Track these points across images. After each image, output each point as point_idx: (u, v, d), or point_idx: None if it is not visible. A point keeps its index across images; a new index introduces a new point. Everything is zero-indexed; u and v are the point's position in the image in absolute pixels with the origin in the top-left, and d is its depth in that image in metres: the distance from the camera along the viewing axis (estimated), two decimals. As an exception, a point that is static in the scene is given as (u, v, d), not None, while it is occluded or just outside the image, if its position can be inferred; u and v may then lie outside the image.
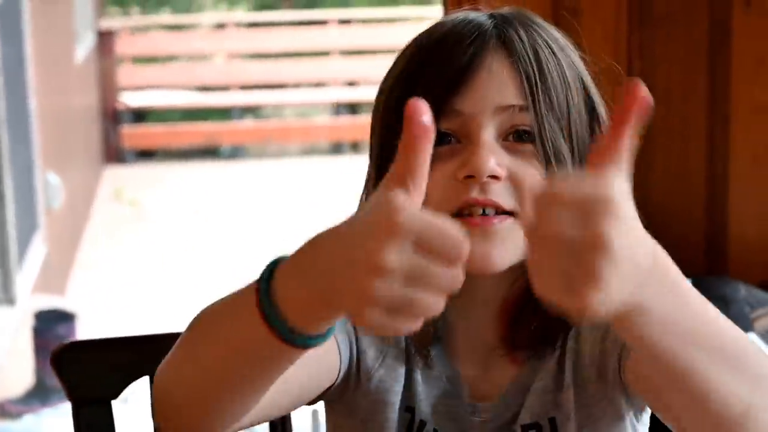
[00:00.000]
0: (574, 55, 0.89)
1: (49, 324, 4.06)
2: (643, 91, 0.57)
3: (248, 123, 8.69)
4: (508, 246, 0.82)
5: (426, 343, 0.92)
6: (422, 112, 0.59)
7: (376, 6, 10.03)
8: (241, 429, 0.83)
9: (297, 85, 8.95)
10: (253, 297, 0.67)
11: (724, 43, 1.94)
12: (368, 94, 7.98)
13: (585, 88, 0.89)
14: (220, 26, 9.41)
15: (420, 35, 0.91)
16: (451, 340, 0.97)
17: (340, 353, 0.87)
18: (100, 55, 7.73)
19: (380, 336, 0.91)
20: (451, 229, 0.58)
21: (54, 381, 3.45)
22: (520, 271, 0.83)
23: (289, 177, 7.34)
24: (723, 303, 1.41)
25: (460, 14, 0.91)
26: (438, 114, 0.81)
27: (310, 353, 0.70)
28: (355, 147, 8.30)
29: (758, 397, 0.70)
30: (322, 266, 0.64)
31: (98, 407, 1.08)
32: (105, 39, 7.88)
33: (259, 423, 0.88)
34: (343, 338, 0.88)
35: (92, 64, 7.42)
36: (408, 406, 0.94)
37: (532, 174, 0.83)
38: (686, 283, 0.67)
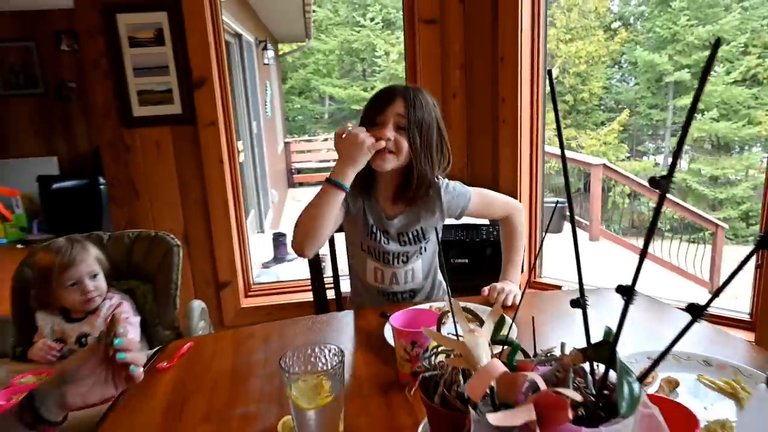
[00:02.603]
0: (435, 108, 1.52)
1: (279, 238, 5.75)
2: (490, 296, 1.52)
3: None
4: (389, 162, 1.51)
5: (364, 197, 1.56)
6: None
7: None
8: (322, 245, 1.46)
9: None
10: (326, 185, 1.47)
11: (496, 136, 2.37)
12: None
13: (437, 119, 1.50)
14: (325, 140, 12.91)
15: (375, 92, 1.51)
16: (375, 194, 1.60)
17: (343, 208, 1.48)
18: (286, 151, 11.65)
19: (355, 196, 1.49)
20: (368, 135, 1.50)
21: (280, 254, 6.37)
22: (398, 171, 1.49)
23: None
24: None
25: (392, 84, 1.47)
26: (378, 116, 1.53)
27: (338, 207, 1.41)
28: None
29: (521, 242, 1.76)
30: (348, 155, 1.49)
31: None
32: (287, 145, 11.94)
33: (327, 239, 1.44)
34: (343, 203, 1.46)
35: (283, 154, 11.17)
36: (366, 221, 1.56)
37: (403, 141, 1.48)
38: (514, 265, 1.68)
